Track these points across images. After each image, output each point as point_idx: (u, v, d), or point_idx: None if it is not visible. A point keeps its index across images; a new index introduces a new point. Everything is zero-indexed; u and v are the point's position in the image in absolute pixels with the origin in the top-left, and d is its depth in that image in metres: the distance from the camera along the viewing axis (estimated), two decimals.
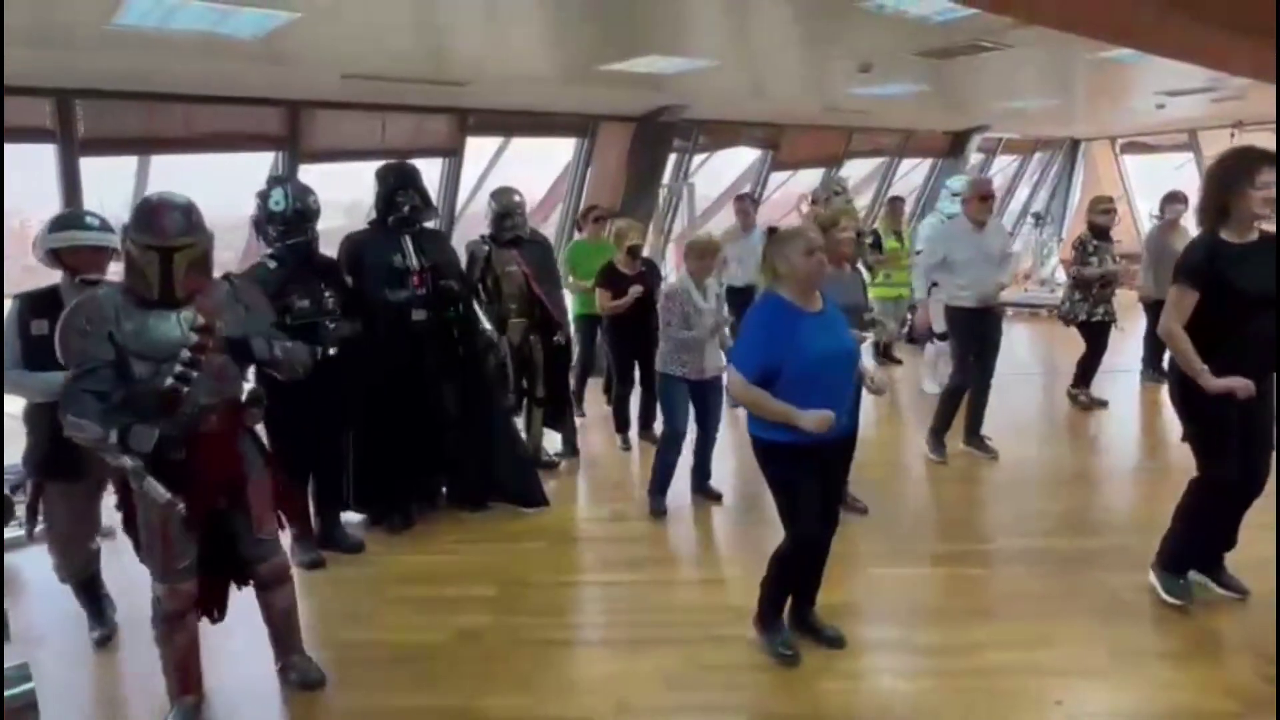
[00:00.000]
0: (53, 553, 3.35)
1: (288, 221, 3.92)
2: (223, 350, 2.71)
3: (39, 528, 3.43)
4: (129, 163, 5.69)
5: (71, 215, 3.26)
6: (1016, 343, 9.15)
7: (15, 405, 4.32)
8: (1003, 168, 12.93)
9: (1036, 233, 12.69)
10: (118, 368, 2.60)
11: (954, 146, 10.82)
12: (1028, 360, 8.69)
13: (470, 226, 7.18)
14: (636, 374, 5.69)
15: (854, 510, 4.39)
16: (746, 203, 7.19)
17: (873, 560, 3.95)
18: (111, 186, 5.37)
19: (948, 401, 5.27)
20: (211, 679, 2.97)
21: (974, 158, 11.53)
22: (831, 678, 3.02)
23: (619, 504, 4.83)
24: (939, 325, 6.72)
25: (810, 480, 2.93)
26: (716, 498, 4.75)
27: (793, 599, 3.22)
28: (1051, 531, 4.22)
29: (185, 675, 2.82)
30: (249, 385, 2.98)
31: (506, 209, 5.01)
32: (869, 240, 7.66)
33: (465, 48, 4.79)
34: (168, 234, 2.58)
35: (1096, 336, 6.19)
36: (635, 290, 5.20)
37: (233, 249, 6.46)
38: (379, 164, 4.54)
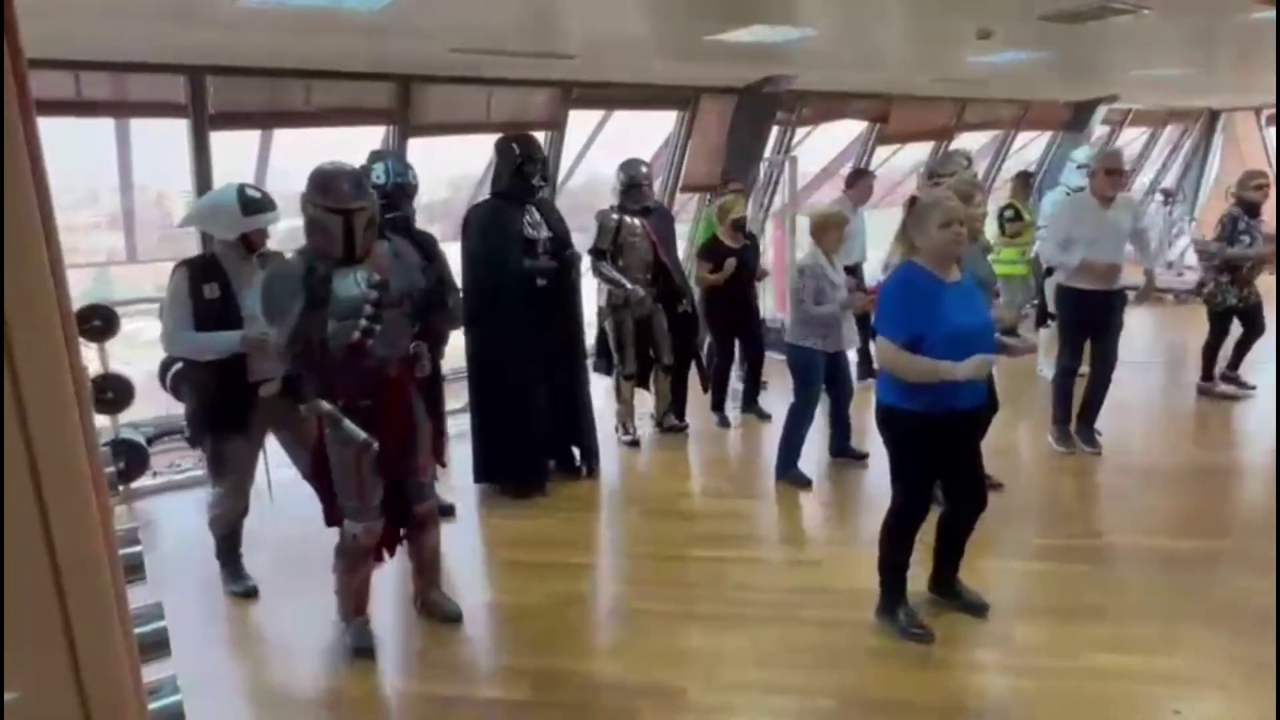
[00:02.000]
0: (215, 503, 3.56)
1: (388, 195, 4.02)
2: (396, 304, 2.89)
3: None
4: (249, 136, 5.98)
5: (256, 197, 3.40)
6: (1138, 329, 8.60)
7: (151, 365, 4.64)
8: (1130, 141, 12.11)
9: (1165, 211, 11.85)
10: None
11: (1077, 118, 10.19)
12: (1150, 347, 8.18)
13: (570, 199, 7.25)
14: (737, 349, 5.68)
15: (991, 488, 4.22)
16: (869, 178, 6.96)
17: (976, 551, 3.80)
18: (231, 159, 5.66)
19: (1060, 387, 5.02)
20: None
21: (1098, 130, 10.84)
22: (927, 667, 2.94)
23: (719, 480, 4.83)
24: (1053, 306, 6.38)
25: (932, 452, 2.92)
26: (862, 457, 4.76)
27: (935, 565, 3.22)
28: (1170, 530, 3.98)
29: (361, 599, 3.13)
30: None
31: (634, 179, 5.13)
32: (1009, 214, 7.28)
33: (572, 19, 4.80)
34: (349, 198, 2.81)
35: (1252, 319, 5.82)
36: (730, 264, 5.24)
37: None
38: (487, 137, 4.67)
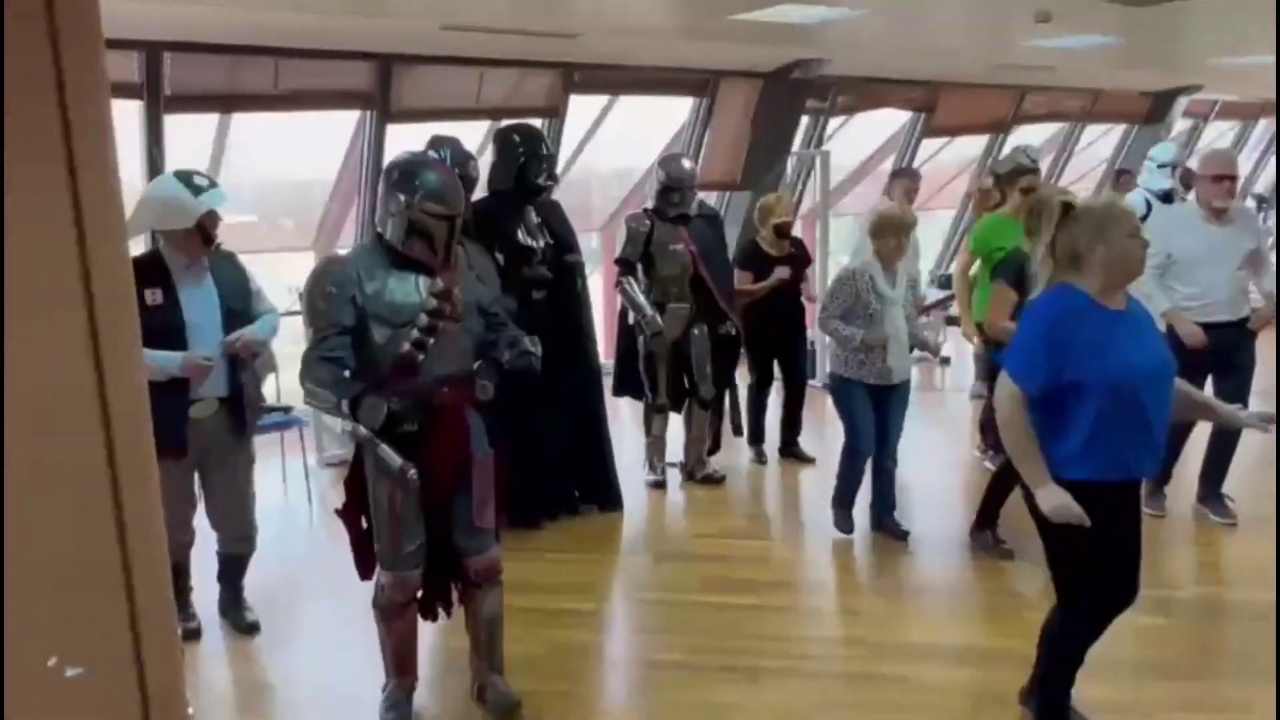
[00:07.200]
0: None
1: None
2: (459, 319, 2.90)
3: None
4: (203, 121, 6.14)
5: (201, 179, 3.50)
6: None
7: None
8: (1216, 138, 12.36)
9: (1258, 219, 12.07)
10: (356, 334, 2.83)
11: (1154, 110, 10.43)
12: None
13: (568, 194, 7.41)
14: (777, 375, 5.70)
15: (1000, 546, 4.25)
16: (916, 180, 6.95)
17: (1033, 600, 3.95)
18: (185, 144, 5.81)
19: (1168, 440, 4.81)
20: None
21: (1179, 124, 11.08)
22: None
23: (740, 521, 4.95)
24: None
25: (1122, 528, 2.61)
26: (903, 535, 4.48)
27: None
28: (1259, 584, 4.11)
29: (403, 660, 3.09)
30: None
31: (675, 181, 5.02)
32: None
33: None
34: (458, 202, 2.90)
35: None
36: (780, 272, 5.27)
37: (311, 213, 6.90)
38: (476, 125, 4.80)
